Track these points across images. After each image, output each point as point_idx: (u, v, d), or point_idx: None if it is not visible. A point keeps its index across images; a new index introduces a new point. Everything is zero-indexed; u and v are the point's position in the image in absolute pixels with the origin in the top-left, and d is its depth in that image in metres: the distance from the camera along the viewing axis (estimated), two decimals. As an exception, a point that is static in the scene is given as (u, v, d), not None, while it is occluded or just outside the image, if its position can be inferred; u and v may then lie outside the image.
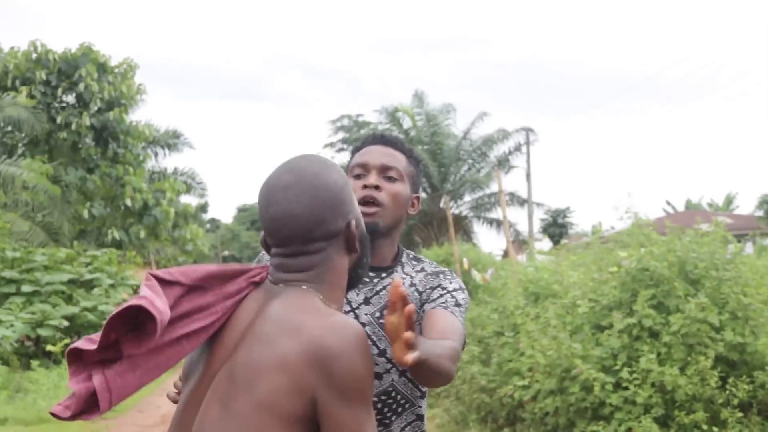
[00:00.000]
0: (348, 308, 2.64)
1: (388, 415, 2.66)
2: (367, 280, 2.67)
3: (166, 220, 29.09)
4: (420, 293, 2.71)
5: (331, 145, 41.12)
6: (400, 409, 2.67)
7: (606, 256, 9.20)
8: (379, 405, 2.63)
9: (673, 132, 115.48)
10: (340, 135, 40.98)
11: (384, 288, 2.68)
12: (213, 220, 74.69)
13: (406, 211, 2.74)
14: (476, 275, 16.07)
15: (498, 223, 38.18)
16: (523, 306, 9.67)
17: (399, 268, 2.75)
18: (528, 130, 37.98)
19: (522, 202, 37.98)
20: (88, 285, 18.60)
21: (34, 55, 27.18)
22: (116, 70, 28.25)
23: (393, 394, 2.64)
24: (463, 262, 17.51)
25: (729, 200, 56.57)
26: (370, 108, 68.26)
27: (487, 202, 38.82)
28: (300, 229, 1.99)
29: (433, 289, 2.72)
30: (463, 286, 2.76)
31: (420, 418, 2.73)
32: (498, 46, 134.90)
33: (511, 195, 37.75)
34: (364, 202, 2.63)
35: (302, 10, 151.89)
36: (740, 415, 6.96)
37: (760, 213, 44.65)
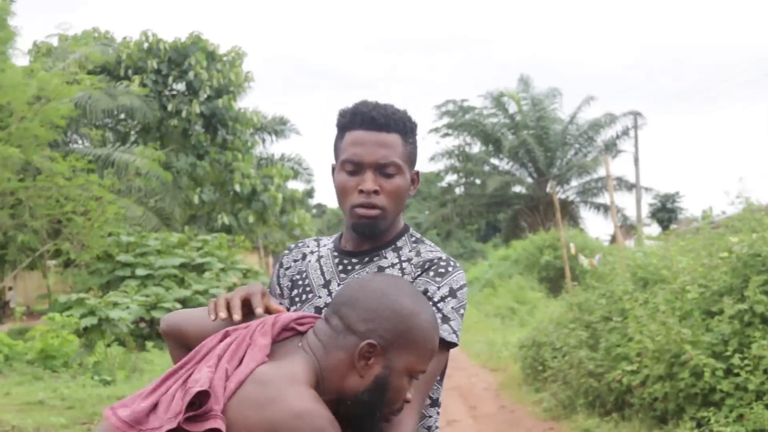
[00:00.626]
0: (330, 299, 2.48)
1: None
2: (350, 267, 2.51)
3: (274, 206, 29.50)
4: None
5: (436, 130, 41.19)
6: None
7: (716, 241, 9.05)
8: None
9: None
10: (445, 120, 41.02)
11: (381, 269, 2.47)
12: (319, 205, 75.29)
13: (407, 197, 2.52)
14: (583, 260, 15.97)
15: (605, 208, 37.74)
16: (632, 291, 9.57)
17: (389, 250, 2.51)
18: (636, 114, 37.39)
19: (630, 186, 37.43)
20: (200, 269, 19.05)
21: (146, 45, 27.76)
22: (225, 59, 28.71)
23: None
24: (570, 247, 17.40)
25: None
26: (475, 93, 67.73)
27: (594, 186, 38.40)
28: (352, 316, 2.09)
29: (436, 298, 2.44)
30: (459, 278, 2.46)
31: (429, 430, 2.50)
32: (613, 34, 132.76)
33: (619, 180, 37.25)
34: (360, 205, 2.41)
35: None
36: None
37: None
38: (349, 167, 2.42)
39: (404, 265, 2.48)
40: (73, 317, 13.82)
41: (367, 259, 2.50)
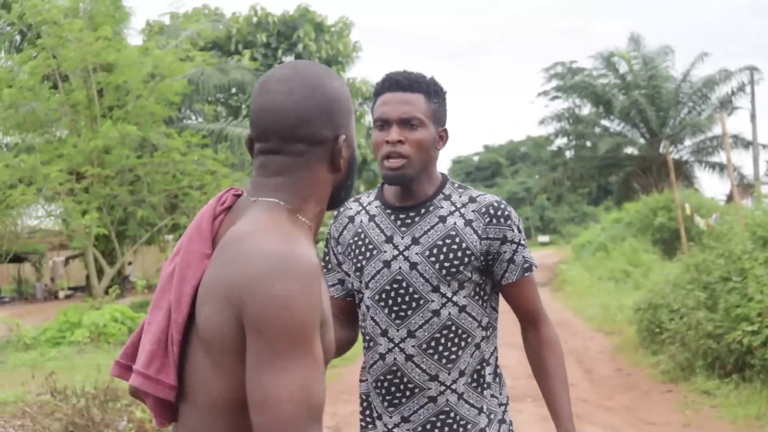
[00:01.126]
0: (396, 251, 2.69)
1: (450, 350, 2.71)
2: (409, 220, 2.73)
3: (383, 175, 29.70)
4: (480, 237, 2.72)
5: (545, 93, 40.77)
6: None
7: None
8: (436, 341, 2.71)
9: None
10: (554, 83, 40.57)
11: (431, 226, 2.71)
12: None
13: (434, 150, 2.74)
14: (699, 221, 15.68)
15: (721, 167, 36.89)
16: (751, 250, 9.40)
17: (441, 199, 2.76)
18: (752, 69, 36.39)
19: (747, 144, 36.51)
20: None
21: (255, 19, 28.15)
22: (332, 29, 28.91)
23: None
24: (686, 207, 17.09)
25: None
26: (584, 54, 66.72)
27: (709, 145, 37.55)
28: (282, 123, 1.82)
29: (501, 242, 2.74)
30: (515, 214, 2.79)
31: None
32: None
33: (735, 137, 36.34)
34: (388, 156, 2.66)
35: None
36: None
37: None
38: (379, 124, 2.70)
39: (463, 210, 2.75)
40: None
41: (423, 210, 2.74)
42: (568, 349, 12.70)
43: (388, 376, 2.73)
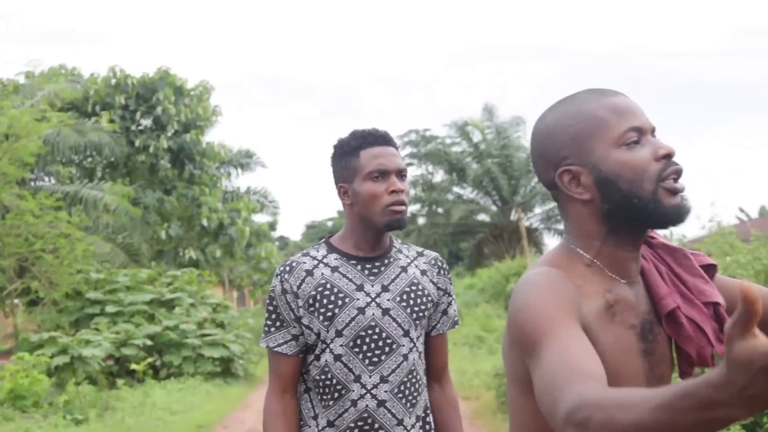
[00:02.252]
0: (369, 298, 2.84)
1: (413, 394, 2.90)
2: (376, 270, 2.90)
3: (241, 239, 29.41)
4: (435, 286, 3.01)
5: (400, 160, 41.27)
6: (421, 389, 2.95)
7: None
8: (404, 385, 2.88)
9: (742, 140, 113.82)
10: (408, 150, 41.17)
11: (396, 275, 2.92)
12: (282, 238, 75.29)
13: None
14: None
15: (569, 235, 38.00)
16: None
17: (396, 251, 2.99)
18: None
19: (593, 213, 37.72)
20: (169, 304, 18.99)
21: (113, 81, 27.72)
22: (192, 93, 28.74)
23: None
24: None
25: (805, 206, 55.74)
26: (440, 122, 68.19)
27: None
28: (538, 166, 1.90)
29: (444, 293, 3.04)
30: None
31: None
32: (573, 56, 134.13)
33: (583, 205, 37.52)
34: (394, 204, 2.84)
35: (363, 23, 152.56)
36: None
37: (838, 218, 43.99)
38: (376, 175, 2.85)
39: (416, 262, 2.99)
40: (44, 356, 13.77)
41: (386, 261, 2.93)
42: (429, 415, 12.80)
43: (359, 423, 2.81)
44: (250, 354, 19.08)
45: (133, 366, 15.87)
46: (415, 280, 2.92)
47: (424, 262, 3.00)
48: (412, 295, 2.89)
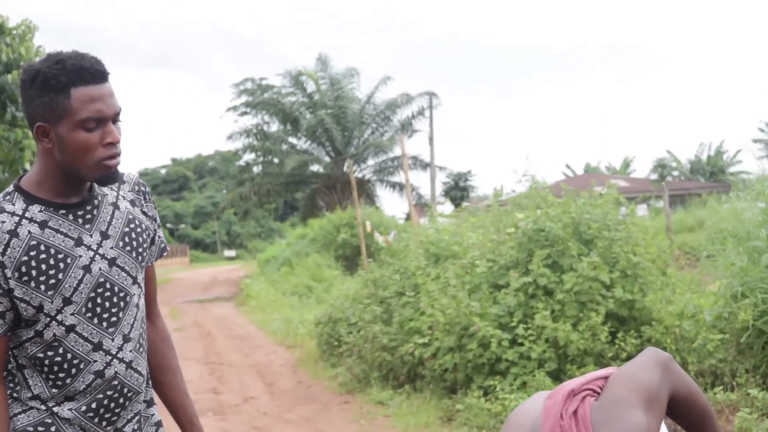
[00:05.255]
0: (91, 252, 2.42)
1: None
2: (89, 215, 2.46)
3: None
4: (146, 216, 2.63)
5: (234, 108, 40.82)
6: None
7: (504, 217, 9.46)
8: (141, 338, 2.55)
9: (573, 100, 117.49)
10: (243, 98, 40.70)
11: (110, 215, 2.50)
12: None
13: None
14: (379, 238, 16.30)
15: (401, 187, 38.53)
16: (424, 267, 9.88)
17: (99, 187, 2.53)
18: (431, 95, 38.29)
19: (425, 165, 38.33)
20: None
21: (-74, 15, 26.30)
22: (14, 32, 27.56)
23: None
24: (366, 225, 17.70)
25: (626, 164, 58.12)
26: (273, 71, 67.48)
27: (390, 165, 39.08)
28: None
29: (152, 220, 2.65)
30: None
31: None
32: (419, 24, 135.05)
33: (414, 159, 38.05)
34: (111, 157, 2.38)
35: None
36: None
37: (655, 176, 46.02)
38: (92, 124, 2.34)
39: (122, 193, 2.56)
40: None
41: (97, 201, 2.47)
42: (251, 363, 12.79)
43: (108, 392, 2.46)
44: None
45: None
46: (131, 216, 2.54)
47: (129, 191, 2.59)
48: (133, 235, 2.52)
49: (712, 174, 51.60)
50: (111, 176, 2.41)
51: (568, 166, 60.46)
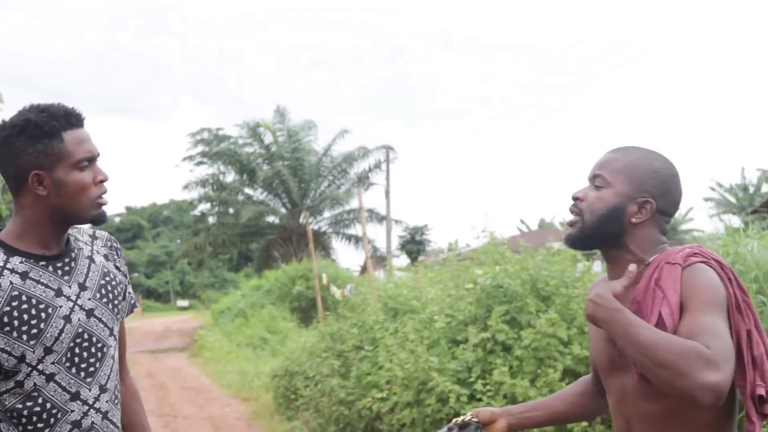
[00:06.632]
0: (71, 303, 2.45)
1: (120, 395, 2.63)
2: (68, 267, 2.49)
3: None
4: (119, 271, 2.69)
5: (190, 158, 40.74)
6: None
7: (462, 273, 9.52)
8: (116, 389, 2.59)
9: (526, 152, 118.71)
10: (200, 148, 40.65)
11: (87, 267, 2.55)
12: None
13: None
14: (335, 291, 16.26)
15: (356, 239, 38.54)
16: (383, 321, 9.89)
17: (74, 239, 2.59)
18: (388, 148, 38.50)
19: (381, 218, 38.41)
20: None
21: None
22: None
23: (118, 371, 2.62)
24: (323, 277, 17.67)
25: (580, 220, 58.52)
26: (232, 122, 67.58)
27: (347, 218, 39.16)
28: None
29: (125, 276, 2.71)
30: None
31: None
32: (360, 61, 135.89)
33: (371, 211, 38.15)
34: (103, 194, 2.50)
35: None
36: (585, 424, 7.32)
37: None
38: (85, 164, 2.45)
39: (94, 247, 2.63)
40: None
41: (74, 254, 2.54)
42: (206, 416, 12.67)
43: None
44: None
45: None
46: (105, 270, 2.60)
47: (102, 246, 2.66)
48: (109, 287, 2.57)
49: (664, 231, 52.19)
50: (102, 215, 2.51)
51: (522, 221, 60.87)
